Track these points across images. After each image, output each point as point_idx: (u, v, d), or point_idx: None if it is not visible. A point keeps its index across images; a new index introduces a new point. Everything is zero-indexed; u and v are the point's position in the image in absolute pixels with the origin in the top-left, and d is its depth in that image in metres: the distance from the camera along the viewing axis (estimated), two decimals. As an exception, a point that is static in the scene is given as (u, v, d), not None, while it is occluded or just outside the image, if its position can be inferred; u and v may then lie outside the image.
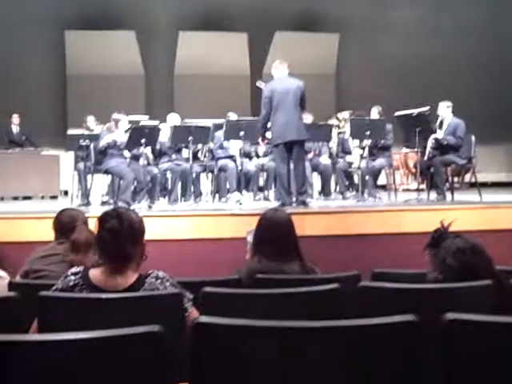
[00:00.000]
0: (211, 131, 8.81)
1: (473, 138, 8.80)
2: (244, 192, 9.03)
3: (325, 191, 9.51)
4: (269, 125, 7.84)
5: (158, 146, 8.86)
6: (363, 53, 14.36)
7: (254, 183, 9.45)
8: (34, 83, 13.66)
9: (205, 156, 9.36)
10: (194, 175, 8.97)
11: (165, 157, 9.02)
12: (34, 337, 2.31)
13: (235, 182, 8.98)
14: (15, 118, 11.79)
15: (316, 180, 9.64)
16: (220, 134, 8.97)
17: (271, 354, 2.02)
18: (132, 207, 6.64)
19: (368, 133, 8.41)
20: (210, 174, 9.57)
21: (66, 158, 10.57)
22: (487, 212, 6.90)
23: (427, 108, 8.08)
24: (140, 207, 7.67)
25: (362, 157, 9.21)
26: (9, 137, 11.75)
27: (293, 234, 3.77)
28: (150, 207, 8.03)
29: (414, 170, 11.37)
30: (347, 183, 9.85)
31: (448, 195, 8.38)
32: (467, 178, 11.42)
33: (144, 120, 10.18)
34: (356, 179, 9.79)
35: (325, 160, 9.52)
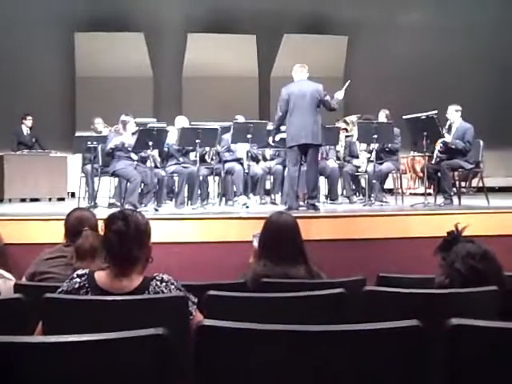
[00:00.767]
0: (219, 134, 8.82)
1: (481, 142, 8.78)
2: (251, 195, 9.03)
3: (331, 195, 9.50)
4: (283, 128, 7.87)
5: (165, 149, 8.86)
6: (371, 56, 14.35)
7: (260, 186, 9.45)
8: (44, 85, 13.71)
9: (212, 159, 9.36)
10: (201, 178, 8.97)
11: (172, 159, 9.02)
12: (38, 339, 2.31)
13: (242, 185, 8.97)
14: (28, 121, 11.81)
15: (323, 184, 9.63)
16: (227, 136, 8.97)
17: (276, 357, 2.02)
18: (139, 210, 6.65)
19: (375, 136, 8.40)
20: (216, 177, 9.56)
21: (74, 159, 10.60)
22: (495, 217, 6.87)
23: (435, 111, 8.05)
24: (147, 210, 7.68)
25: (369, 160, 9.20)
26: (19, 138, 11.77)
27: (298, 237, 3.76)
28: (156, 210, 8.04)
29: (421, 174, 11.35)
30: (354, 187, 9.84)
31: (455, 200, 8.36)
32: (475, 182, 11.41)
33: (152, 122, 10.20)
34: (363, 183, 9.78)
35: (332, 163, 9.51)
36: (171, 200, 9.26)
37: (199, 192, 8.82)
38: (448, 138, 8.34)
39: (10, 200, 10.58)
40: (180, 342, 2.35)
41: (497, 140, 11.98)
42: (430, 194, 8.69)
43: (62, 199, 11.15)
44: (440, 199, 8.30)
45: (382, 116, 9.40)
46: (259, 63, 14.16)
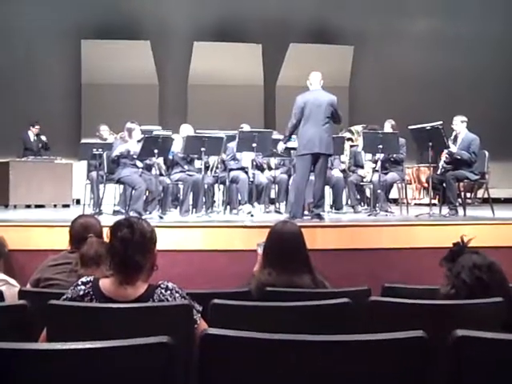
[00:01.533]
0: (224, 142, 8.82)
1: (486, 153, 8.77)
2: (255, 204, 9.03)
3: (336, 204, 9.48)
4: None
5: (170, 157, 8.87)
6: (377, 66, 14.37)
7: (265, 195, 9.44)
8: (50, 92, 13.78)
9: (217, 167, 9.37)
10: (206, 186, 8.97)
11: (177, 167, 9.02)
12: (42, 346, 2.31)
13: (247, 193, 8.98)
14: (36, 128, 11.88)
15: (328, 193, 9.62)
16: (233, 145, 8.98)
17: (280, 367, 2.02)
18: (143, 217, 6.65)
19: (381, 146, 8.40)
20: (221, 186, 9.57)
21: (79, 166, 10.62)
22: (500, 228, 6.84)
23: (440, 122, 8.05)
24: (151, 217, 7.69)
25: (374, 170, 9.19)
26: (25, 144, 11.83)
27: (303, 246, 3.75)
28: (161, 217, 8.04)
29: (426, 185, 11.34)
30: (359, 197, 9.84)
31: (460, 210, 8.34)
32: (480, 193, 11.40)
33: (157, 130, 10.21)
34: (368, 193, 9.77)
35: (337, 173, 9.50)
36: (176, 208, 9.26)
37: (204, 200, 8.82)
38: (453, 149, 8.33)
39: (15, 206, 10.62)
40: (184, 351, 2.35)
41: (502, 151, 11.97)
42: (435, 205, 8.67)
43: (67, 206, 11.17)
44: (445, 210, 8.29)
45: (388, 126, 9.40)
46: (265, 72, 14.19)
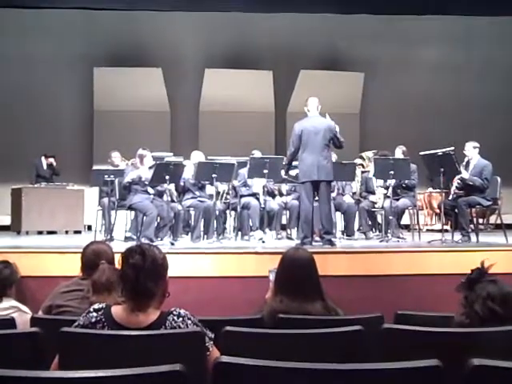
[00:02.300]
0: (235, 169, 8.85)
1: (498, 179, 8.74)
2: (267, 230, 9.02)
3: (348, 231, 9.46)
4: (296, 163, 7.89)
5: (181, 183, 8.89)
6: (388, 92, 14.40)
7: (276, 221, 9.43)
8: (62, 119, 13.90)
9: (228, 193, 9.38)
10: (217, 212, 8.98)
11: (188, 193, 9.05)
12: (54, 374, 2.30)
13: (258, 219, 8.98)
14: (49, 161, 12.00)
15: (339, 219, 9.61)
16: (244, 171, 9.01)
17: (292, 395, 2.00)
18: (155, 243, 6.65)
19: (392, 172, 8.40)
20: (233, 212, 9.57)
21: (91, 193, 10.67)
22: (513, 254, 6.79)
23: (452, 148, 8.05)
24: (163, 243, 7.70)
25: (385, 196, 9.18)
26: (38, 171, 11.90)
27: (315, 273, 3.73)
28: (172, 244, 8.04)
29: (438, 211, 11.29)
30: (370, 223, 9.82)
31: (473, 237, 8.30)
32: (492, 219, 11.33)
33: (168, 156, 10.26)
34: (379, 219, 9.75)
35: (348, 199, 9.50)
36: (187, 234, 9.26)
37: (215, 226, 8.82)
38: (465, 175, 8.31)
39: (27, 232, 10.66)
40: (197, 379, 2.33)
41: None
42: (447, 231, 8.63)
43: (79, 232, 11.20)
44: (457, 236, 8.25)
45: (399, 152, 9.40)
46: (276, 99, 14.24)
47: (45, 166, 12.03)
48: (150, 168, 8.41)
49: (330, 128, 7.65)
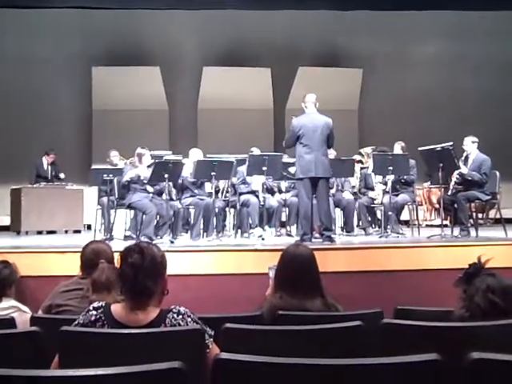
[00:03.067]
0: (234, 166, 8.85)
1: (497, 173, 8.74)
2: (266, 227, 9.02)
3: (347, 227, 9.45)
4: (293, 160, 7.91)
5: (180, 181, 8.89)
6: (386, 88, 14.38)
7: (276, 218, 9.43)
8: (61, 118, 13.89)
9: (227, 191, 9.38)
10: (217, 210, 8.98)
11: (187, 191, 9.04)
12: (55, 372, 2.30)
13: (257, 217, 8.98)
14: (50, 157, 11.98)
15: (338, 216, 9.61)
16: (243, 169, 9.00)
17: (292, 391, 2.00)
18: (154, 242, 6.66)
19: (391, 168, 8.40)
20: (232, 209, 9.57)
21: (90, 192, 10.66)
22: (513, 249, 6.80)
23: (451, 143, 8.05)
24: (162, 242, 7.70)
25: (384, 192, 9.18)
26: (38, 171, 11.88)
27: (315, 270, 3.73)
28: (172, 242, 8.04)
29: (437, 206, 11.29)
30: (370, 219, 9.82)
31: (472, 231, 8.30)
32: (492, 214, 11.33)
33: (167, 155, 10.25)
34: (379, 215, 9.75)
35: (347, 195, 9.50)
36: (187, 232, 9.26)
37: (215, 224, 8.82)
38: (464, 170, 8.31)
39: (26, 232, 10.66)
40: (197, 376, 2.33)
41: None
42: (446, 226, 8.63)
43: (78, 231, 11.20)
44: (457, 231, 8.26)
45: (398, 148, 9.41)
46: (274, 96, 14.23)
47: (45, 166, 12.01)
48: (149, 167, 8.41)
49: (327, 125, 7.67)
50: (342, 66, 14.22)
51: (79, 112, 14.07)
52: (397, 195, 8.89)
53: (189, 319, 2.81)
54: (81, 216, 11.30)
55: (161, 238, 8.12)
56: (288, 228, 9.64)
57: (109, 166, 9.87)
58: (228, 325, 2.88)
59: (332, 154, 9.25)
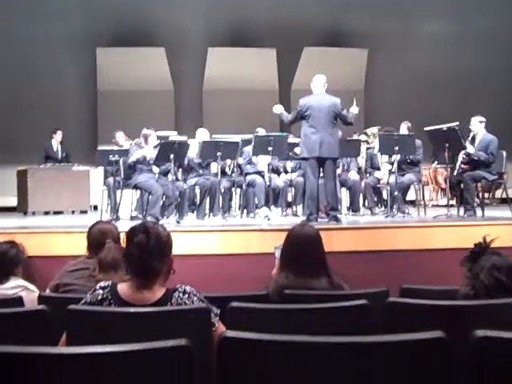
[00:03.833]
0: (240, 147, 8.84)
1: (504, 153, 8.71)
2: (272, 207, 9.03)
3: (353, 207, 9.46)
4: (297, 140, 7.90)
5: (186, 162, 8.88)
6: (392, 68, 14.32)
7: (282, 198, 9.44)
8: (66, 99, 13.90)
9: (233, 171, 9.38)
10: (223, 190, 8.99)
11: (193, 172, 9.05)
12: (62, 349, 2.32)
13: (263, 197, 8.99)
14: (58, 135, 11.95)
15: (344, 196, 9.60)
16: (248, 149, 9.00)
17: (298, 369, 2.01)
18: (160, 222, 6.67)
19: (397, 148, 8.37)
20: (238, 190, 9.58)
21: (96, 173, 10.68)
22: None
23: (457, 123, 8.02)
24: (168, 222, 7.71)
25: (390, 172, 9.17)
26: (47, 153, 11.87)
27: (321, 249, 3.74)
28: (178, 222, 8.06)
29: (443, 186, 11.28)
30: (376, 199, 9.82)
31: (478, 211, 8.29)
32: (498, 193, 11.31)
33: (173, 135, 10.24)
34: (385, 195, 9.74)
35: (353, 175, 9.49)
36: (193, 212, 9.27)
37: (221, 204, 8.83)
38: (471, 150, 8.29)
39: (33, 213, 10.70)
40: (203, 354, 2.35)
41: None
42: (452, 206, 8.63)
43: (85, 212, 11.23)
44: (463, 210, 8.24)
45: (404, 128, 9.37)
46: (279, 76, 14.19)
47: (55, 147, 11.99)
48: (155, 147, 8.41)
49: (335, 105, 7.63)
50: (348, 46, 14.15)
51: (84, 93, 14.06)
52: (403, 175, 8.87)
53: (195, 298, 2.82)
54: (87, 197, 11.33)
55: (167, 218, 8.13)
56: (294, 208, 9.65)
57: (115, 147, 9.87)
58: (234, 303, 2.89)
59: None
